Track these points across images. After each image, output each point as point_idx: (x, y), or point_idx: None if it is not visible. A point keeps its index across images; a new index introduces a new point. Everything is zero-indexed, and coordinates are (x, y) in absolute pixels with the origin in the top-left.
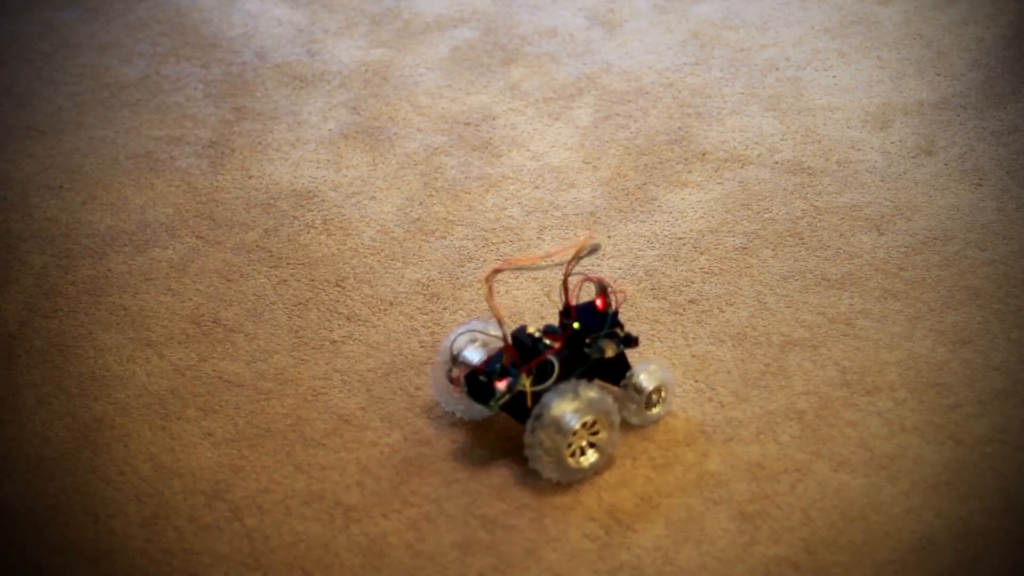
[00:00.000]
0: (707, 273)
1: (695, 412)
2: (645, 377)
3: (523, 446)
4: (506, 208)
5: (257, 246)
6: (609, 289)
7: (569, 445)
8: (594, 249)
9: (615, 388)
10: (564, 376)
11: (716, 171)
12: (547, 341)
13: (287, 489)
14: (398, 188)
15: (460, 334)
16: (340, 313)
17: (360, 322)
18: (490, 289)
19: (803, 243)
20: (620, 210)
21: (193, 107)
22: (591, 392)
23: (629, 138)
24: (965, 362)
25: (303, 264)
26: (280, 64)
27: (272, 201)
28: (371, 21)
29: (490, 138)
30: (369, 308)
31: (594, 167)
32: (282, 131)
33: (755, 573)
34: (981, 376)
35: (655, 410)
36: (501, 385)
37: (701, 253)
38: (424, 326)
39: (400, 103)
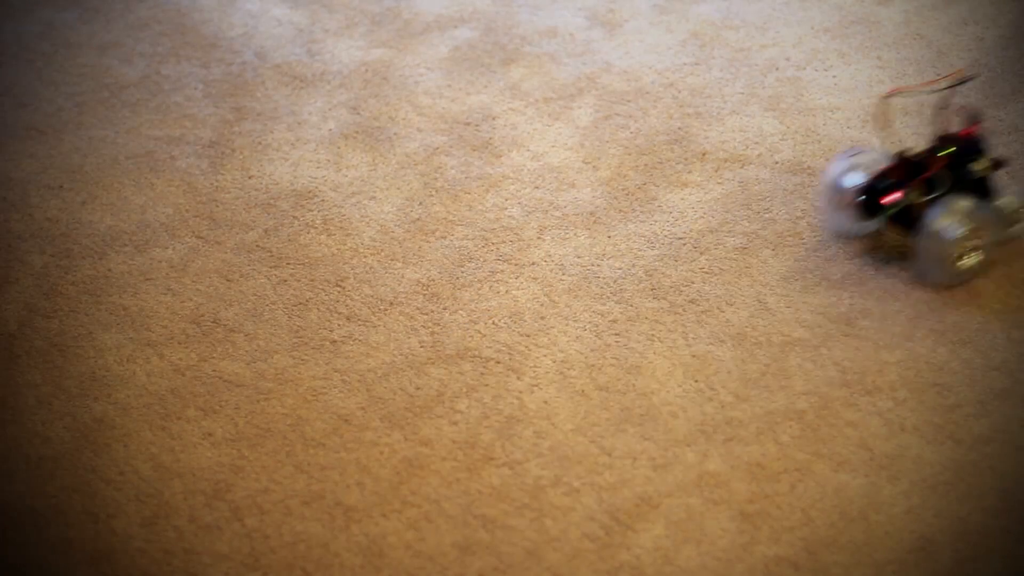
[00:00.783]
0: (707, 273)
1: (695, 412)
2: (1012, 197)
3: (910, 254)
4: (506, 208)
5: (257, 246)
6: (980, 117)
7: (954, 251)
8: (969, 79)
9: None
10: (940, 194)
11: (716, 171)
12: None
13: (287, 489)
14: (398, 188)
15: (842, 161)
16: (340, 313)
17: (360, 322)
18: (884, 112)
19: (803, 243)
20: (620, 210)
21: (193, 107)
22: (971, 204)
23: (629, 138)
24: (965, 362)
25: (303, 264)
26: (280, 64)
27: (272, 201)
28: (371, 21)
29: (490, 138)
30: (369, 308)
31: (594, 167)
32: (282, 131)
33: (755, 573)
34: (981, 376)
35: (1017, 227)
36: (892, 198)
37: (701, 253)
38: (424, 326)
39: (400, 103)
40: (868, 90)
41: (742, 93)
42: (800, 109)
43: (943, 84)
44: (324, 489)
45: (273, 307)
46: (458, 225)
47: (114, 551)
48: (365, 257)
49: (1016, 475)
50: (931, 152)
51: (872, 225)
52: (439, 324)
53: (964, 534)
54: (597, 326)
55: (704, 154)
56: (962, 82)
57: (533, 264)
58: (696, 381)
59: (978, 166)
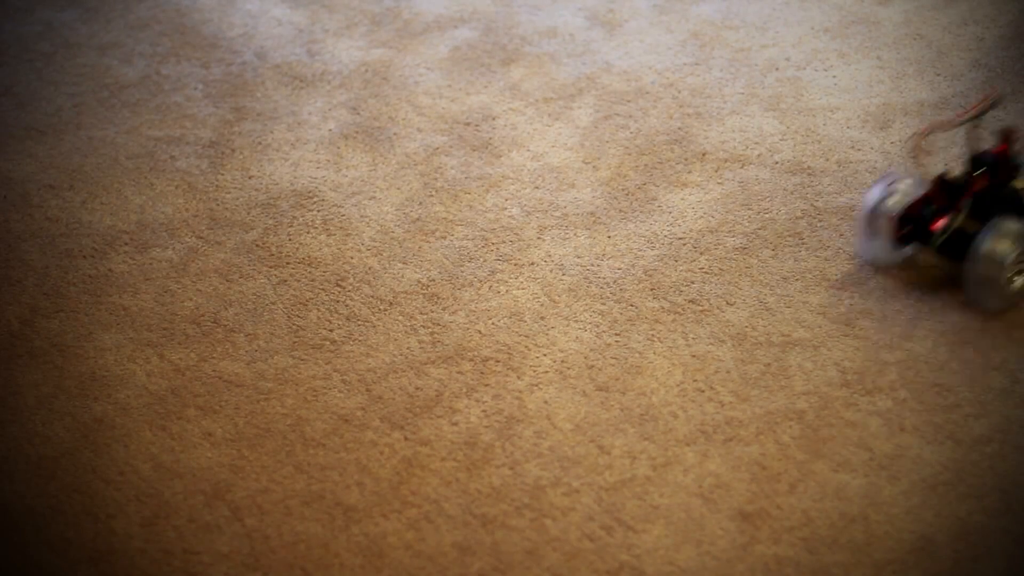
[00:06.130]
0: (707, 273)
1: (695, 412)
2: None
3: (959, 280)
4: (506, 208)
5: (257, 246)
6: (1015, 135)
7: (1007, 274)
8: (996, 102)
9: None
10: (984, 215)
11: (716, 171)
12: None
13: (287, 489)
14: (398, 188)
15: (880, 188)
16: (340, 313)
17: (360, 322)
18: (918, 147)
19: (803, 243)
20: (620, 210)
21: (193, 107)
22: (1019, 224)
23: (629, 138)
24: (965, 362)
25: (303, 264)
26: (280, 64)
27: (272, 201)
28: (371, 21)
29: (490, 138)
30: (369, 308)
31: (594, 167)
32: (282, 131)
33: (755, 573)
34: (981, 376)
35: None
36: (940, 224)
37: (701, 253)
38: (424, 326)
39: (400, 103)
40: (868, 90)
41: (742, 93)
42: (800, 109)
43: (974, 113)
44: (324, 489)
45: (273, 307)
46: (458, 225)
47: (114, 551)
48: (365, 257)
49: (1016, 475)
50: (969, 173)
51: (908, 252)
52: (439, 324)
53: (964, 534)
54: (597, 326)
55: (704, 154)
56: (993, 106)
57: (533, 264)
58: (696, 381)
59: (1018, 183)
